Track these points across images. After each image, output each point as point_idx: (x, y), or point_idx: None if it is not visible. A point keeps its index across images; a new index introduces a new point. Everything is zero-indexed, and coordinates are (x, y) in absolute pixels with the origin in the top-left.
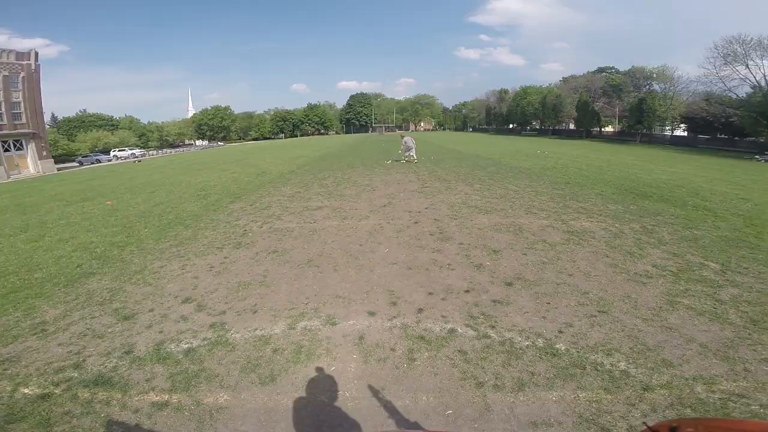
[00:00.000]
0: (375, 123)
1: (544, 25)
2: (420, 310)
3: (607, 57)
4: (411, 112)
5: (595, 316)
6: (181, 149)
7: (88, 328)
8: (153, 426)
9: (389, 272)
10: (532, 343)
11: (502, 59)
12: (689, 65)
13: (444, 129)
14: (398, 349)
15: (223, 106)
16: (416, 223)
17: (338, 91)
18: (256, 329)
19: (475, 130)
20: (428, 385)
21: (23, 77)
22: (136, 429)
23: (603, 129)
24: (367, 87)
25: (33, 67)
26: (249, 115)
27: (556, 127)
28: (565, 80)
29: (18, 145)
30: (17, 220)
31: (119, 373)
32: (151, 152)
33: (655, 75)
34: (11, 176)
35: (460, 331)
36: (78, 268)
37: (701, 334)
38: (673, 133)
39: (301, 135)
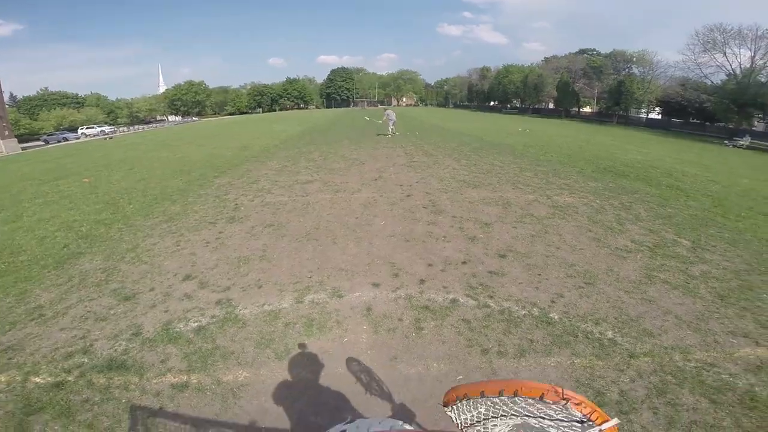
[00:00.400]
0: (357, 98)
1: (527, 4)
2: (422, 281)
3: (588, 39)
4: (393, 88)
5: (582, 287)
6: (154, 125)
7: (89, 311)
8: (177, 408)
9: (388, 244)
10: (528, 312)
11: (484, 37)
12: (668, 51)
13: (426, 105)
14: (405, 319)
15: (197, 81)
16: (408, 196)
17: (318, 65)
18: (264, 304)
19: (456, 106)
20: (437, 353)
21: None
22: (161, 412)
23: (582, 109)
24: (348, 62)
25: None
26: (224, 90)
27: (537, 106)
28: (547, 60)
29: None
30: None
31: (131, 356)
32: (122, 129)
33: (635, 59)
34: None
35: (462, 300)
36: (65, 248)
37: (676, 307)
38: (648, 115)
39: (280, 109)
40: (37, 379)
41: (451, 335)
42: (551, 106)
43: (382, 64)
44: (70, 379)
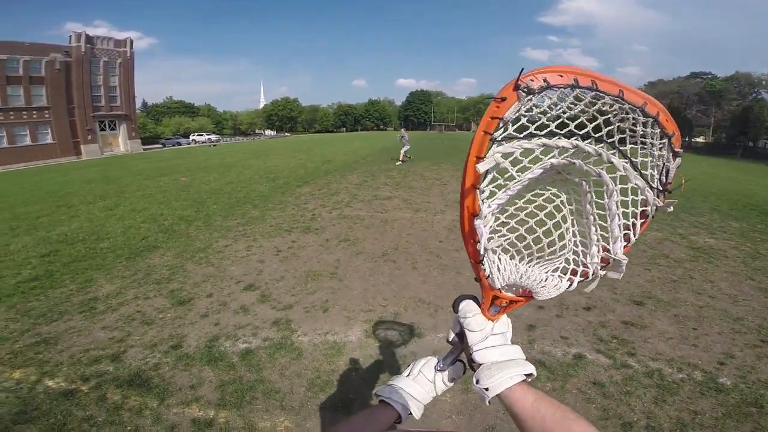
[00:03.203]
0: (434, 121)
1: (622, 27)
2: (531, 327)
3: (696, 62)
4: (473, 112)
5: (759, 346)
6: (252, 138)
7: (139, 311)
8: None
9: None
10: (688, 375)
11: (573, 61)
12: None
13: None
14: None
15: (292, 98)
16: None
17: (396, 88)
18: (327, 333)
19: None
20: None
21: (120, 63)
22: None
23: (694, 139)
24: (425, 86)
25: (128, 54)
26: (314, 108)
27: None
28: (651, 84)
29: (112, 125)
30: (100, 189)
31: (160, 374)
32: (225, 139)
33: (764, 82)
34: (104, 152)
35: (590, 357)
36: (143, 240)
37: None
38: None
39: (361, 129)
40: (50, 383)
41: (577, 402)
42: None
43: (461, 88)
44: (83, 388)
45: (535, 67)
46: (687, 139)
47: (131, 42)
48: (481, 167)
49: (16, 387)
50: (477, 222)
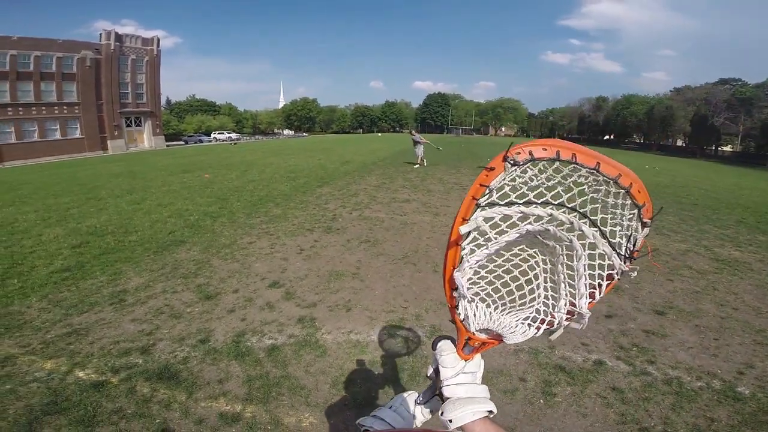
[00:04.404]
0: (451, 124)
1: (648, 31)
2: (551, 333)
3: (725, 68)
4: (492, 116)
5: None
6: (271, 137)
7: (167, 305)
8: None
9: None
10: (707, 384)
11: (596, 65)
12: None
13: (528, 136)
14: (530, 380)
15: (310, 98)
16: None
17: (413, 90)
18: (350, 332)
19: (563, 139)
20: (575, 428)
21: (147, 61)
22: None
23: (720, 148)
24: (442, 88)
25: (155, 52)
26: (332, 109)
27: (662, 143)
28: (677, 91)
29: (138, 121)
30: (126, 184)
31: (189, 367)
32: (245, 137)
33: None
34: (129, 148)
35: (610, 364)
36: (170, 235)
37: None
38: None
39: (378, 131)
40: (81, 374)
41: (595, 406)
42: (679, 143)
43: (479, 91)
44: (113, 380)
45: (525, 142)
46: (713, 148)
47: (158, 41)
48: (463, 229)
49: (47, 377)
50: (456, 274)
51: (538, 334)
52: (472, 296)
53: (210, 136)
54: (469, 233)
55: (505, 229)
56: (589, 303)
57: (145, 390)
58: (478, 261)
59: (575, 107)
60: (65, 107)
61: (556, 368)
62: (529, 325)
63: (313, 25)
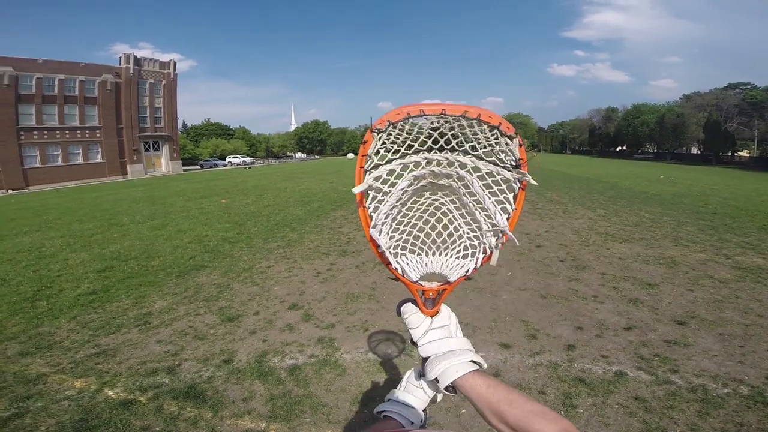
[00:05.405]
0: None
1: (652, 39)
2: (570, 347)
3: (734, 72)
4: None
5: None
6: (284, 160)
7: (191, 326)
8: None
9: (518, 299)
10: (734, 390)
11: (603, 76)
12: None
13: (539, 150)
14: (550, 393)
15: (321, 120)
16: (539, 247)
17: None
18: (368, 351)
19: (574, 152)
20: None
21: (164, 85)
22: None
23: (737, 154)
24: None
25: (172, 76)
26: (342, 131)
27: (676, 151)
28: (687, 97)
29: (156, 146)
30: (147, 209)
31: (214, 386)
32: (258, 161)
33: None
34: (148, 173)
35: (631, 374)
36: (191, 260)
37: None
38: None
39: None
40: (110, 392)
41: (618, 416)
42: (694, 150)
43: (488, 107)
44: (142, 399)
45: (428, 103)
46: (730, 154)
47: (175, 64)
48: (355, 190)
49: (78, 395)
50: (372, 231)
51: (479, 264)
52: (400, 250)
53: (225, 160)
54: (368, 194)
55: (395, 181)
56: (509, 219)
57: (173, 408)
58: (386, 213)
59: (585, 119)
60: (87, 131)
61: (576, 380)
62: (464, 256)
63: (324, 45)
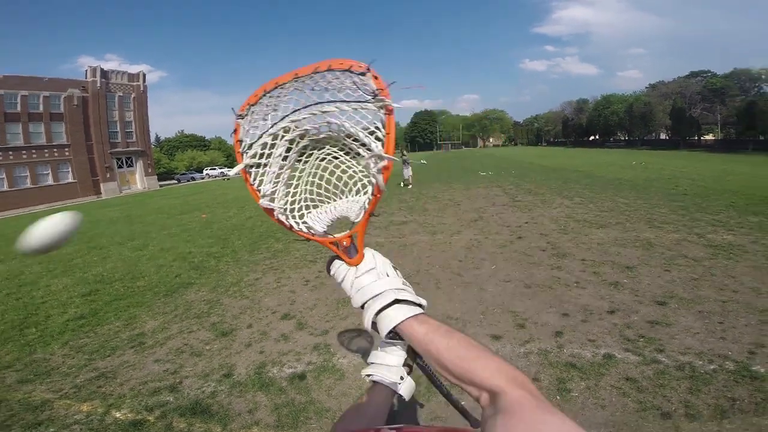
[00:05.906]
0: (440, 140)
1: (618, 32)
2: (558, 334)
3: (695, 61)
4: (478, 128)
5: None
6: None
7: (186, 344)
8: None
9: (504, 290)
10: (720, 366)
11: (573, 69)
12: None
13: (515, 144)
14: (544, 379)
15: None
16: (519, 238)
17: (400, 110)
18: (364, 354)
19: (549, 144)
20: (597, 420)
21: (134, 97)
22: None
23: (703, 137)
24: (428, 105)
25: (141, 88)
26: None
27: (646, 138)
28: (653, 86)
29: (129, 161)
30: (126, 230)
31: (218, 401)
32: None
33: (763, 76)
34: (123, 190)
35: (620, 356)
36: (177, 278)
37: None
38: None
39: None
40: (118, 414)
41: (612, 397)
42: (663, 136)
43: (464, 105)
44: (150, 418)
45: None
46: (696, 138)
47: (144, 76)
48: (232, 173)
49: (87, 419)
50: (262, 202)
51: (371, 194)
52: (305, 210)
53: (202, 172)
54: (250, 172)
55: (271, 152)
56: (385, 145)
57: (182, 425)
58: (272, 182)
59: (558, 112)
60: (55, 150)
61: (567, 365)
62: (357, 192)
63: (298, 47)
